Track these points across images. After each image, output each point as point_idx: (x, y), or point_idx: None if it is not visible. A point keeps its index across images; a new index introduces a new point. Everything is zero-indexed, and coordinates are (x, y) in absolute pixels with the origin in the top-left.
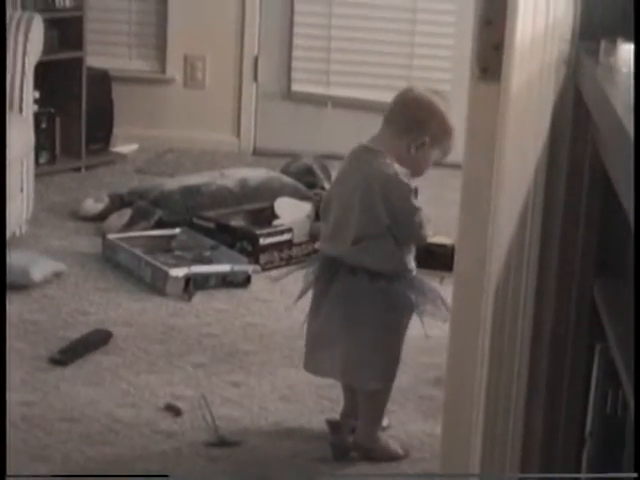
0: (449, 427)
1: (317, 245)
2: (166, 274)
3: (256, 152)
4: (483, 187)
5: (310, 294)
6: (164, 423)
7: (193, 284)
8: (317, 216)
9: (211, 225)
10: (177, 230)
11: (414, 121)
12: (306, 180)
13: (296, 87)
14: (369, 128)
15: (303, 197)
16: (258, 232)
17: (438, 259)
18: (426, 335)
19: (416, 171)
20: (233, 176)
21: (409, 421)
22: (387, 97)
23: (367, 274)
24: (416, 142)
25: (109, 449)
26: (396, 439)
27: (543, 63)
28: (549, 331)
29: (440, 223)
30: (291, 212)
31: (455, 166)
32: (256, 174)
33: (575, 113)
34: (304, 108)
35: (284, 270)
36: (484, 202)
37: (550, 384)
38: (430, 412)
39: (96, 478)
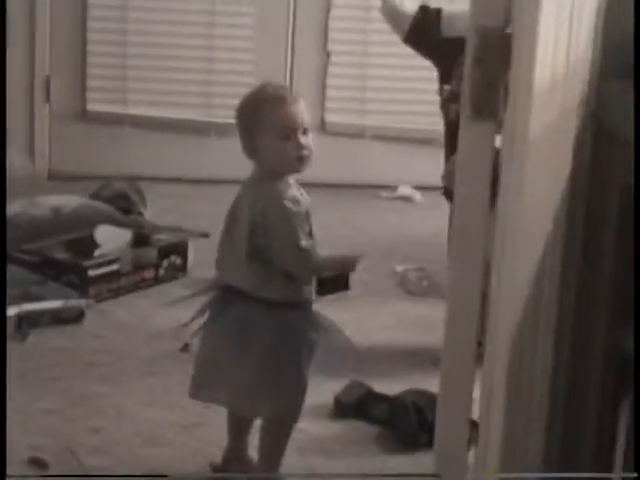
0: None
1: (145, 274)
2: None
3: (50, 176)
4: (476, 225)
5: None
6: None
7: (26, 323)
8: (135, 244)
9: (35, 258)
10: None
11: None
12: (121, 205)
13: (92, 107)
14: (171, 148)
15: (120, 224)
16: (86, 264)
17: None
18: None
19: (281, 166)
20: (44, 204)
21: None
22: (183, 114)
23: (262, 302)
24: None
25: None
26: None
27: (564, 106)
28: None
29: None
30: (112, 240)
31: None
32: (67, 201)
33: (593, 154)
34: (100, 129)
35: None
36: (477, 240)
37: (569, 442)
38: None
39: (96, 478)
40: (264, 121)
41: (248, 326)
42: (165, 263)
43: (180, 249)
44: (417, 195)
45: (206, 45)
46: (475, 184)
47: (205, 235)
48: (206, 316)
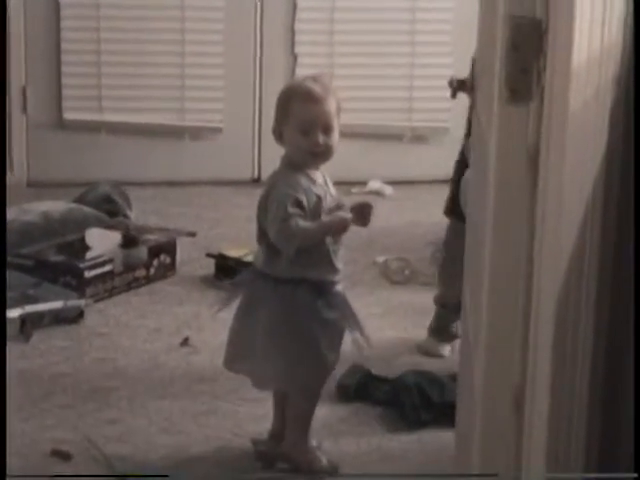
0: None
1: (137, 273)
2: None
3: (30, 184)
4: (519, 205)
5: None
6: (57, 469)
7: (29, 324)
8: (124, 245)
9: (29, 262)
10: None
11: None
12: (106, 208)
13: (69, 115)
14: (146, 152)
15: (108, 226)
16: (82, 265)
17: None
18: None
19: (298, 157)
20: (34, 210)
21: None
22: (157, 119)
23: (271, 279)
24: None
25: None
26: (324, 453)
27: (599, 85)
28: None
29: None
30: (103, 243)
31: None
32: (56, 206)
33: (626, 132)
34: (77, 137)
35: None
36: (521, 220)
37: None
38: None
39: (96, 478)
40: (289, 113)
41: (260, 302)
42: (155, 262)
43: (169, 248)
44: (388, 189)
45: (177, 51)
46: (512, 165)
47: (192, 234)
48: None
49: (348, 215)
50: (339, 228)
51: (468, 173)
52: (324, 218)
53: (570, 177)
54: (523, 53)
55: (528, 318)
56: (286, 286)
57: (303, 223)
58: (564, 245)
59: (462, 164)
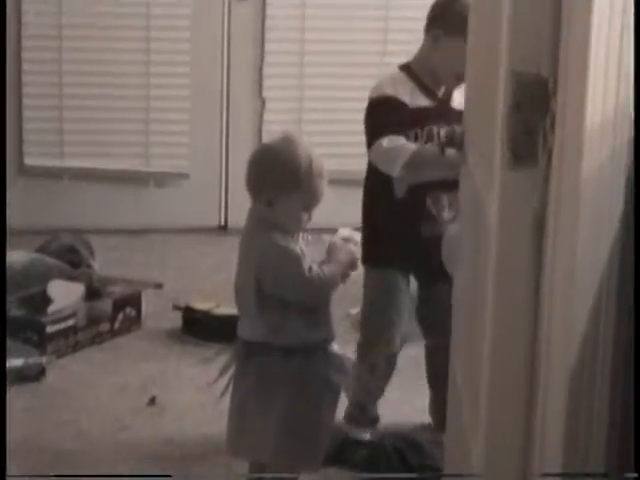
0: None
1: (101, 328)
2: None
3: None
4: (523, 276)
5: None
6: None
7: None
8: (87, 297)
9: None
10: None
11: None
12: (69, 259)
13: (29, 161)
14: (110, 199)
15: (71, 278)
16: (43, 320)
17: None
18: None
19: (288, 225)
20: None
21: None
22: (121, 165)
23: (279, 351)
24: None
25: None
26: None
27: (614, 146)
28: None
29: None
30: (65, 295)
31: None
32: (18, 257)
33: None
34: (38, 183)
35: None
36: (525, 292)
37: None
38: None
39: (97, 478)
40: (296, 186)
41: (268, 379)
42: (120, 316)
43: (134, 301)
44: (358, 236)
45: (141, 95)
46: (516, 232)
47: (159, 286)
48: (232, 372)
49: (351, 246)
50: (350, 261)
51: (452, 230)
52: (327, 259)
53: (583, 246)
54: (527, 113)
55: (535, 401)
56: (298, 357)
57: (323, 267)
58: (576, 321)
59: (370, 207)
